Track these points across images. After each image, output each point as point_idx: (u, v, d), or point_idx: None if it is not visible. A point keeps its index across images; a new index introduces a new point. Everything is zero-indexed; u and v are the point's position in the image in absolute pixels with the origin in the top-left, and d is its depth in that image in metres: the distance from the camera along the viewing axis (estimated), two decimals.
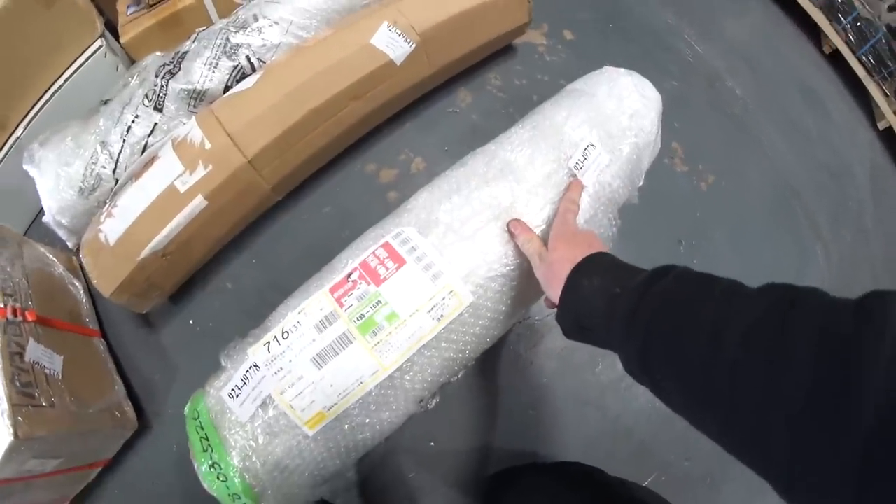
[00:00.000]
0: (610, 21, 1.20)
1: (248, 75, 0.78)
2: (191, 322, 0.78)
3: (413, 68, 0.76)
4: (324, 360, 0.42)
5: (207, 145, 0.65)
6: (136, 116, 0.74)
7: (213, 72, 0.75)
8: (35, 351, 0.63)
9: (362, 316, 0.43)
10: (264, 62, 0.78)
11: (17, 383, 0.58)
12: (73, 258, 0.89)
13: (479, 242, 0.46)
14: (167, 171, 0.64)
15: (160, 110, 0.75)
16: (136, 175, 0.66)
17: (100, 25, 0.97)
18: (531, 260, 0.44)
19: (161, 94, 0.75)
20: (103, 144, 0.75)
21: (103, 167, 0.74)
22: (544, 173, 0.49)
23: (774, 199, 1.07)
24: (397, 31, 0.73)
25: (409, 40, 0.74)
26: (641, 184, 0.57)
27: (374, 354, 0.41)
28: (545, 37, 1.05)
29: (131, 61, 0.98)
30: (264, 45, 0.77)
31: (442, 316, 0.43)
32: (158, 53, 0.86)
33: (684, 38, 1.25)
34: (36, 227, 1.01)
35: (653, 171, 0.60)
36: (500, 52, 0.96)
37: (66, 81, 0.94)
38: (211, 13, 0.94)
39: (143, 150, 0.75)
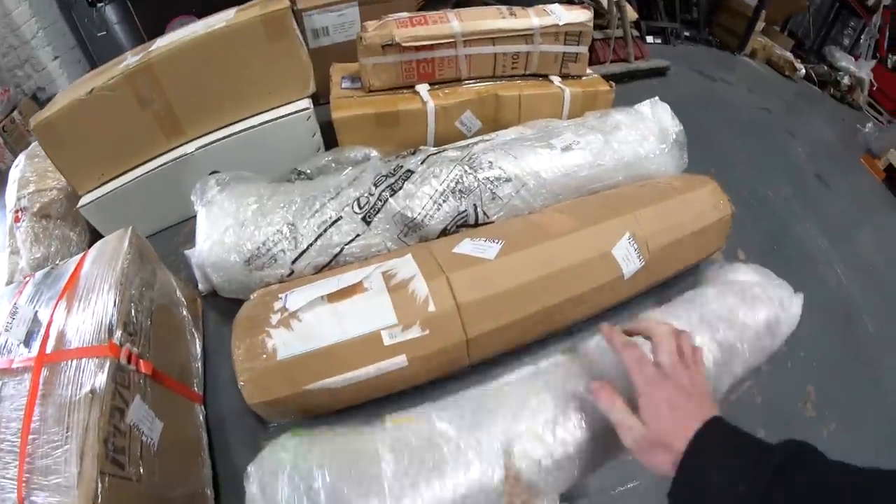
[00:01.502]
0: (776, 243, 1.21)
1: (470, 224, 0.74)
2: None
3: (631, 283, 0.71)
4: None
5: (431, 308, 0.59)
6: (339, 218, 0.69)
7: (438, 209, 0.71)
8: (139, 411, 0.54)
9: None
10: (489, 217, 0.74)
11: (111, 446, 0.49)
12: (199, 300, 0.83)
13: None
14: (376, 316, 0.58)
15: (368, 223, 0.70)
16: (331, 296, 0.59)
17: (313, 85, 0.96)
18: (618, 431, 0.41)
19: (374, 208, 0.70)
20: (291, 228, 0.69)
21: (283, 251, 0.68)
22: None
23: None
24: (635, 244, 0.69)
25: (641, 257, 0.70)
26: None
27: None
28: (721, 254, 1.02)
29: (332, 136, 0.95)
30: (494, 199, 0.74)
31: None
32: (375, 154, 0.84)
33: (833, 266, 1.26)
34: (158, 239, 0.95)
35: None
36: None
37: (262, 124, 0.91)
38: (430, 126, 0.93)
39: (335, 257, 0.69)
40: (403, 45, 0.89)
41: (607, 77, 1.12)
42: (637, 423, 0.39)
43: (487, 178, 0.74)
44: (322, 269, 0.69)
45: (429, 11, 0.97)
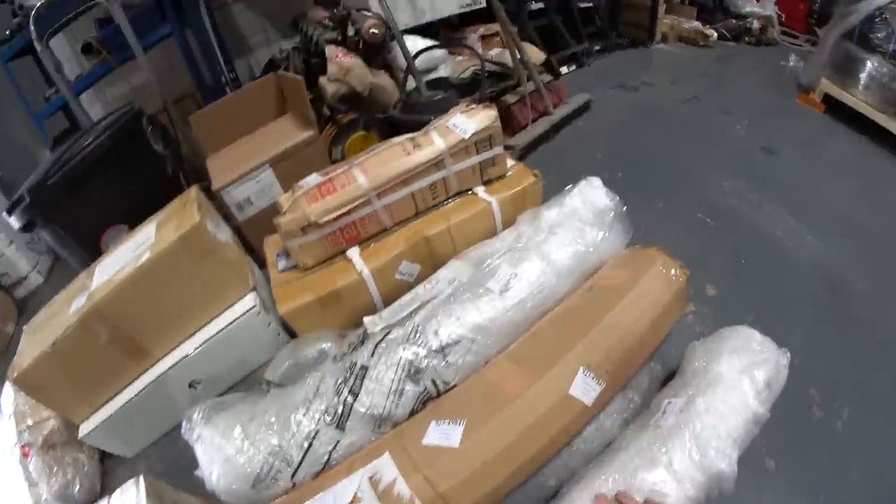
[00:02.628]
0: (743, 255, 1.20)
1: (434, 397, 0.75)
2: None
3: (599, 403, 0.72)
4: None
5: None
6: (317, 432, 0.72)
7: (400, 397, 0.73)
8: None
9: None
10: (448, 384, 0.76)
11: None
12: None
13: None
14: None
15: (343, 429, 0.72)
16: None
17: (252, 280, 0.98)
18: None
19: (343, 415, 0.72)
20: (279, 451, 0.72)
21: (279, 472, 0.72)
22: None
23: None
24: (591, 374, 0.70)
25: (600, 381, 0.71)
26: None
27: None
28: (691, 302, 1.02)
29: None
30: (448, 366, 0.75)
31: None
32: (330, 349, 0.85)
33: (805, 240, 1.22)
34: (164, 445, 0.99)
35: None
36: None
37: (218, 332, 0.94)
38: (373, 291, 0.95)
39: (326, 464, 0.72)
40: (320, 222, 0.91)
41: (535, 143, 1.14)
42: None
43: (436, 350, 0.76)
44: (319, 474, 0.72)
45: (333, 169, 0.97)
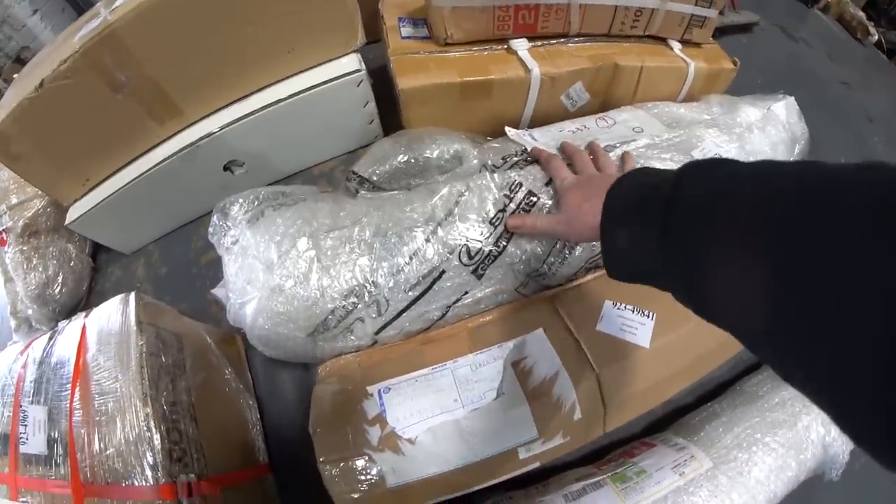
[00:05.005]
0: None
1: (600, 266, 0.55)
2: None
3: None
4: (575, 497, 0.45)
5: (578, 416, 0.44)
6: (442, 273, 0.49)
7: (569, 253, 0.52)
8: None
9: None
10: None
11: None
12: (237, 337, 0.64)
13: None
14: (514, 433, 0.44)
15: (480, 276, 0.50)
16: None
17: (361, 34, 0.68)
18: (552, 232, 0.47)
19: (490, 256, 0.50)
20: (373, 290, 0.49)
21: (361, 320, 0.48)
22: None
23: None
24: None
25: None
26: None
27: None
28: None
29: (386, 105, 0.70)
30: None
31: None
32: (461, 149, 0.60)
33: None
34: (172, 241, 0.74)
35: None
36: None
37: (294, 95, 0.64)
38: (530, 101, 0.68)
39: (435, 322, 0.50)
40: None
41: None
42: (569, 173, 0.49)
43: None
44: (418, 334, 0.51)
45: None
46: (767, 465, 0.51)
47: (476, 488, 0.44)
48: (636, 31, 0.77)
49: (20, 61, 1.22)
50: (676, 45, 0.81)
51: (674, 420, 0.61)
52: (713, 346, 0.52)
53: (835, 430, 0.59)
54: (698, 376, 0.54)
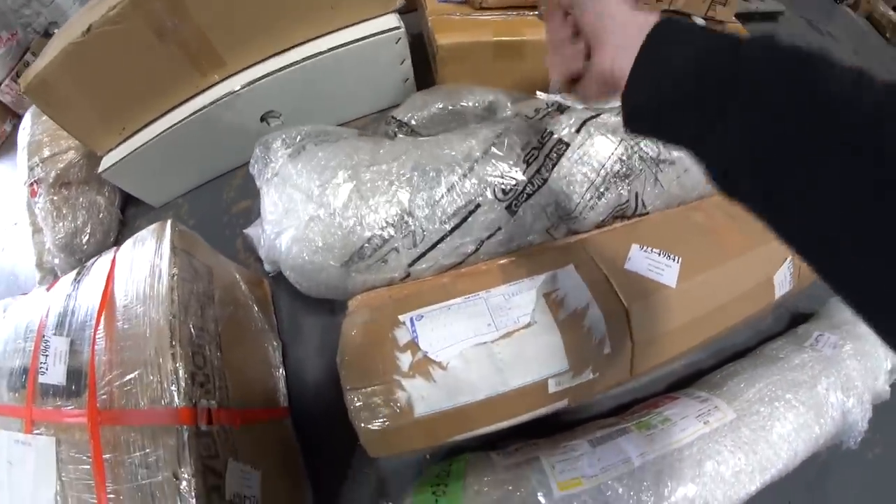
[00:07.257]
0: None
1: (626, 216, 0.57)
2: None
3: (766, 310, 0.60)
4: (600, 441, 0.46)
5: (607, 350, 0.46)
6: (477, 207, 0.51)
7: (599, 198, 0.54)
8: (235, 478, 0.42)
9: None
10: (645, 207, 0.58)
11: None
12: (265, 281, 0.66)
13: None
14: (544, 363, 0.44)
15: (513, 213, 0.52)
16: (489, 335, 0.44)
17: None
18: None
19: (524, 194, 0.52)
20: (407, 221, 0.51)
21: (395, 250, 0.50)
22: None
23: None
24: (791, 268, 0.56)
25: (792, 282, 0.57)
26: None
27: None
28: None
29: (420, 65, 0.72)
30: (655, 185, 0.57)
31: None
32: (495, 99, 0.62)
33: None
34: (204, 193, 0.77)
35: None
36: None
37: (330, 50, 0.67)
38: None
39: (467, 257, 0.52)
40: None
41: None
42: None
43: (652, 159, 0.56)
44: (451, 269, 0.52)
45: None
46: (790, 421, 0.51)
47: (504, 424, 0.45)
48: (661, 5, 0.78)
49: (48, 36, 1.26)
50: (700, 21, 0.82)
51: (695, 381, 0.62)
52: (737, 294, 0.53)
53: (854, 397, 0.59)
54: (721, 326, 0.55)
